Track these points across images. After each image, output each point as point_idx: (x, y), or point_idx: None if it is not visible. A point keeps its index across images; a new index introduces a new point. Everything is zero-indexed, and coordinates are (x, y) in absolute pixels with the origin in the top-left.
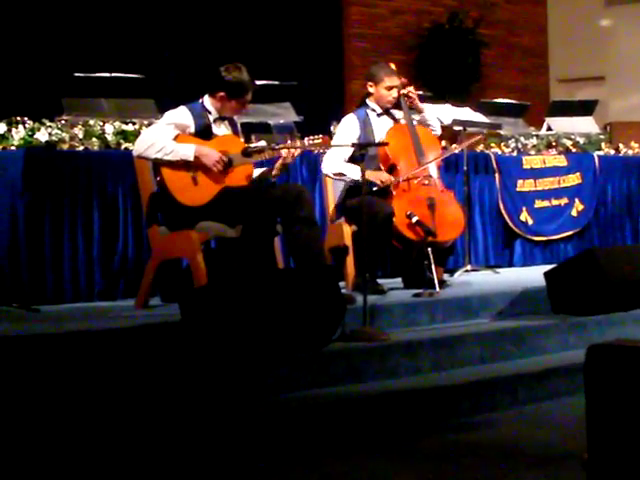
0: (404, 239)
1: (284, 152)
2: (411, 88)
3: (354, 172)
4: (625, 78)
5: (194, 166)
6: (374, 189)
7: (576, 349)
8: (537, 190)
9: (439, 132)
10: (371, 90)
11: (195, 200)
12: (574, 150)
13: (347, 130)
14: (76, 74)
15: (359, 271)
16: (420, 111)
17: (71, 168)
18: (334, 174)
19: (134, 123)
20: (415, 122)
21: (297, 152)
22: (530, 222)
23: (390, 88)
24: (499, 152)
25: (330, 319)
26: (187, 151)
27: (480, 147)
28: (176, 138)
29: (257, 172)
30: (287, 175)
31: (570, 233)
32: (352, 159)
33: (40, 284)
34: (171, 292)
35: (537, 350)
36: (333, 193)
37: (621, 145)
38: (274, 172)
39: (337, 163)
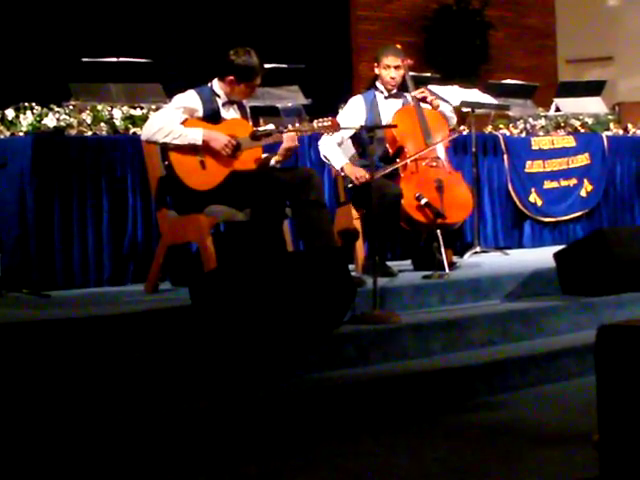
0: (413, 221)
1: (285, 137)
2: (421, 89)
3: (337, 161)
4: (633, 58)
5: (202, 150)
6: (349, 186)
7: (586, 330)
8: (546, 171)
9: (454, 122)
10: (376, 71)
11: (203, 184)
12: (583, 131)
13: (351, 112)
14: (83, 59)
15: (369, 254)
16: (435, 107)
17: (80, 153)
18: (323, 156)
19: (142, 108)
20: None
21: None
22: (539, 203)
23: (387, 67)
24: (508, 133)
25: (340, 302)
26: (195, 135)
27: (489, 128)
28: (184, 122)
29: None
30: (295, 159)
31: (579, 214)
32: (360, 142)
33: (50, 270)
34: (181, 276)
35: (547, 331)
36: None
37: (630, 125)
38: (277, 158)
39: (328, 147)
